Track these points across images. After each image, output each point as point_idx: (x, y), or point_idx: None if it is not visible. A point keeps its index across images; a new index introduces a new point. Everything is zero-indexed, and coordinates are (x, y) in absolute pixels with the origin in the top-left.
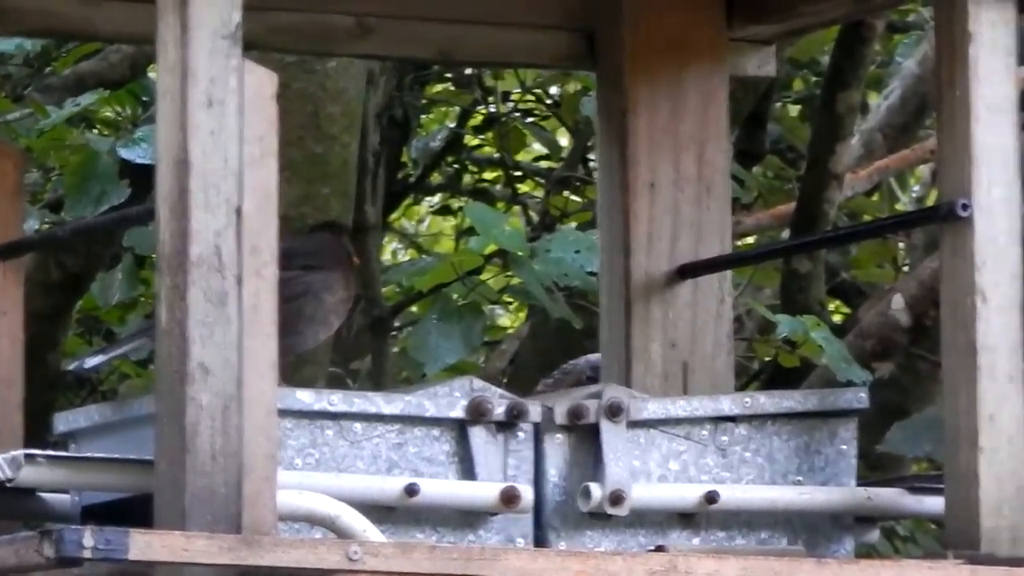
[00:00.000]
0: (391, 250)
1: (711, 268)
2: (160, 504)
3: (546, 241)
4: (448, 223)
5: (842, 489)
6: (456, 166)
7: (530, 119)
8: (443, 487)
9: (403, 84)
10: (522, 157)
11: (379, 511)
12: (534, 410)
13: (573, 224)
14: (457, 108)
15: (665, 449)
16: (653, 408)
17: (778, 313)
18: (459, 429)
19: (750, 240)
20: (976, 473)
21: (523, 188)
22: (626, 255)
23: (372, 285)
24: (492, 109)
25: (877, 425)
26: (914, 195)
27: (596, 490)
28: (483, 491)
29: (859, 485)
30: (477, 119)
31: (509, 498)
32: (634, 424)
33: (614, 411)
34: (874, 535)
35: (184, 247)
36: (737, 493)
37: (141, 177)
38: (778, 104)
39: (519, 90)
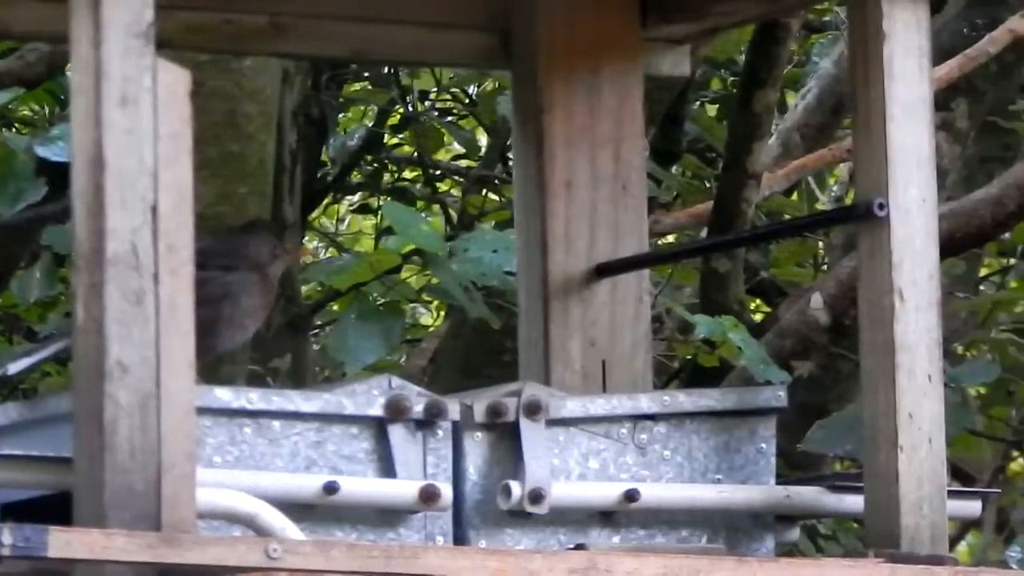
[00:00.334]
0: (312, 249)
1: (629, 267)
2: (79, 502)
3: (464, 240)
4: (368, 222)
5: (761, 488)
6: (375, 165)
7: (448, 118)
8: (362, 485)
9: (320, 83)
10: (441, 156)
11: (299, 509)
12: (453, 408)
13: (491, 223)
14: (375, 107)
15: (584, 447)
16: (572, 406)
17: (698, 312)
18: (378, 427)
19: (670, 239)
20: (896, 472)
21: (442, 187)
22: (544, 254)
23: (291, 283)
24: (410, 108)
25: (798, 424)
26: (833, 194)
27: (516, 488)
28: (402, 489)
29: (779, 484)
30: (395, 118)
31: (428, 496)
32: (553, 422)
33: (533, 409)
34: (795, 534)
35: (100, 245)
36: (657, 491)
37: (58, 175)
38: (696, 104)
39: (436, 89)
